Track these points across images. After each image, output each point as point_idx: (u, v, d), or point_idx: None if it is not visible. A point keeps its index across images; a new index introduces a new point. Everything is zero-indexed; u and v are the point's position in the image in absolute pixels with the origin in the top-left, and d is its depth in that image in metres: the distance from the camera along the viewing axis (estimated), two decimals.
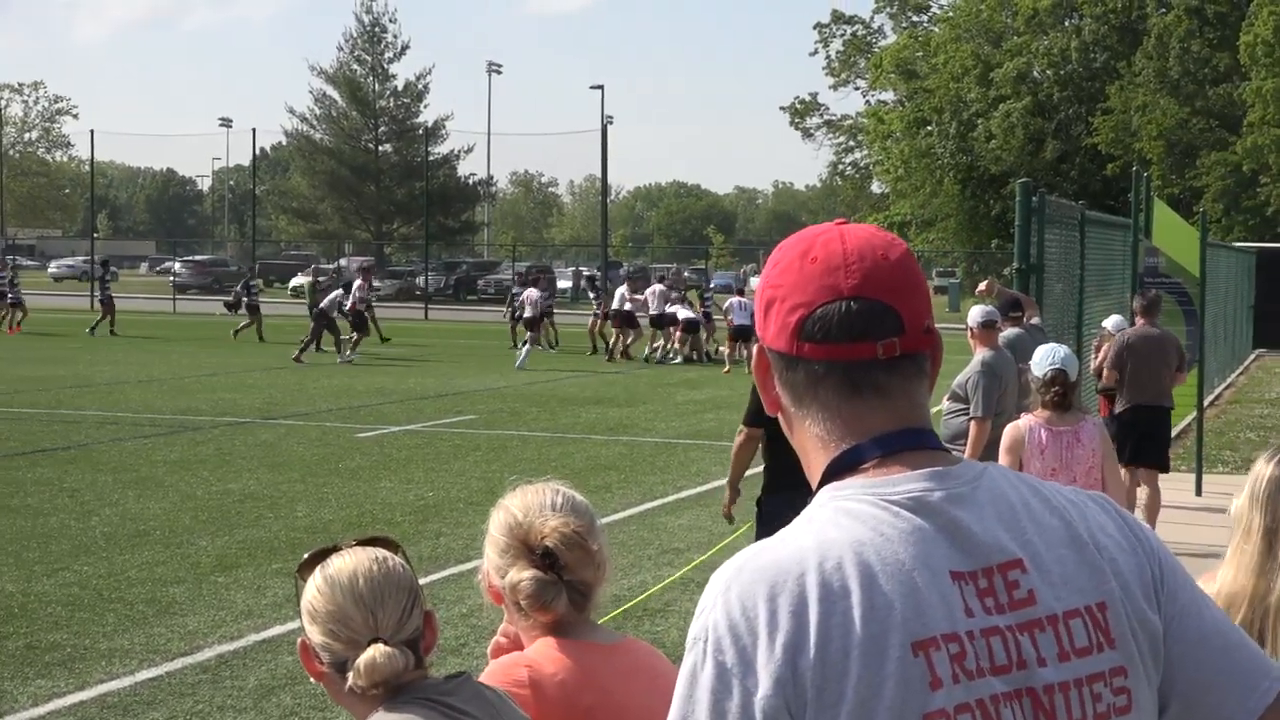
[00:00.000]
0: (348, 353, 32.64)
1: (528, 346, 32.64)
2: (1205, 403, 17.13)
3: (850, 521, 1.75)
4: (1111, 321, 14.11)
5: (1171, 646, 1.83)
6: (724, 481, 15.49)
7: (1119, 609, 1.79)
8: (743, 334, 31.18)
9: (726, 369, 31.24)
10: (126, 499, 14.16)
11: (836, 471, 1.84)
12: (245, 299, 40.86)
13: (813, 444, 1.88)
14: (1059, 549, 1.79)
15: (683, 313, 34.91)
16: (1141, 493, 12.63)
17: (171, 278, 70.12)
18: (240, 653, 9.00)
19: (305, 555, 2.71)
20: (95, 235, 77.87)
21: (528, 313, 34.37)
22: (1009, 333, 11.07)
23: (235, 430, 19.75)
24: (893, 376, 1.83)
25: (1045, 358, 7.94)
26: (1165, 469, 13.18)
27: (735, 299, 33.05)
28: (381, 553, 2.68)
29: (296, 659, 8.73)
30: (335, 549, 2.69)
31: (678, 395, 26.54)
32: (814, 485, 1.88)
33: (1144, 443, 12.78)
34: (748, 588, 1.72)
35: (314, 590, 2.64)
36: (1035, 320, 11.59)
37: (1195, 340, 15.55)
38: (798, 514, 7.08)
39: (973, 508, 1.78)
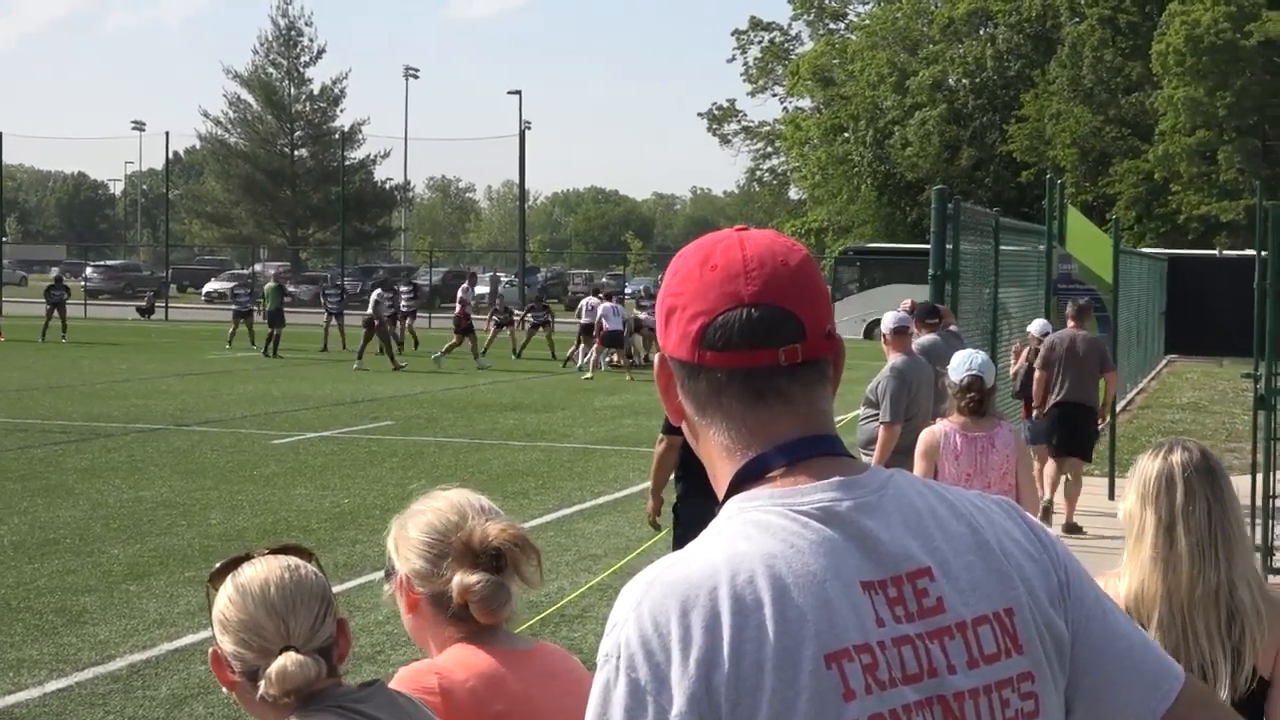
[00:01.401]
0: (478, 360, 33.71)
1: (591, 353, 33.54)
2: (1118, 407, 17.30)
3: (760, 534, 1.74)
4: (1036, 326, 14.25)
5: (1078, 650, 1.83)
6: (641, 487, 15.60)
7: (1026, 615, 1.79)
8: (613, 340, 32.17)
9: (588, 376, 31.57)
10: (35, 507, 13.96)
11: (742, 480, 1.82)
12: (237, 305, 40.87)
13: (718, 453, 1.86)
14: (966, 555, 1.79)
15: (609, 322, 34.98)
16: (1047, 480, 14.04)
17: (83, 282, 69.30)
18: (152, 662, 8.90)
19: (217, 564, 2.69)
20: (4, 239, 76.74)
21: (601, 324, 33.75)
22: (925, 339, 11.15)
23: (147, 437, 19.53)
24: (795, 383, 1.82)
25: (962, 364, 7.99)
26: (1089, 459, 14.84)
27: (606, 304, 33.19)
28: (294, 560, 2.65)
29: (209, 668, 8.65)
30: (247, 557, 2.67)
31: (595, 401, 26.52)
32: (720, 494, 1.86)
33: (1072, 435, 13.89)
34: (659, 603, 1.70)
35: (225, 599, 2.62)
36: (952, 327, 11.68)
37: (1109, 346, 15.72)
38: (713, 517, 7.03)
39: (880, 516, 1.77)
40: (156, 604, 10.30)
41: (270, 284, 40.61)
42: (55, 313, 41.06)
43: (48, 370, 30.35)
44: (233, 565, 2.66)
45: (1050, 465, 13.98)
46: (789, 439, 1.81)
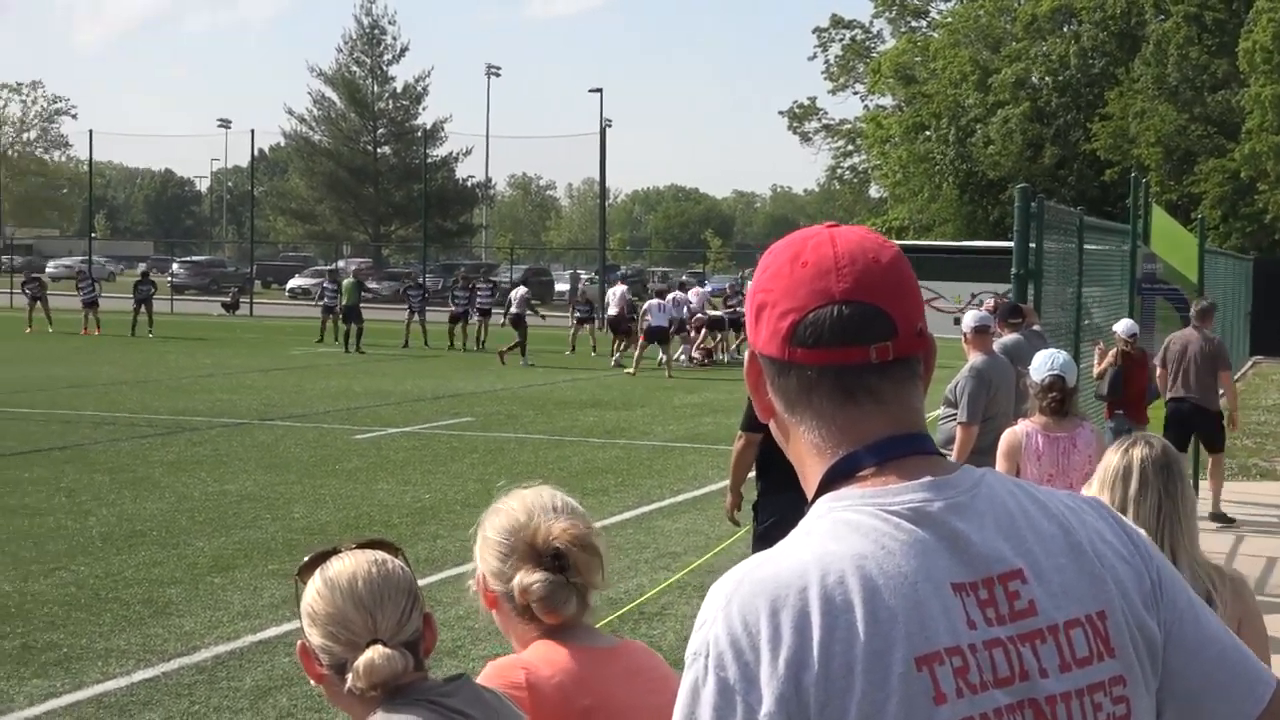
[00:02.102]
0: (523, 359, 33.80)
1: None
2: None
3: (851, 533, 1.73)
4: (1123, 326, 14.11)
5: (1170, 653, 1.82)
6: (720, 485, 15.60)
7: (1118, 617, 1.78)
8: (658, 335, 31.90)
9: (632, 371, 31.56)
10: (123, 499, 14.15)
11: (832, 479, 1.82)
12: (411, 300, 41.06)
13: (807, 451, 1.85)
14: (1058, 557, 1.78)
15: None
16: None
17: (169, 278, 70.06)
18: (237, 654, 9.00)
19: (305, 558, 2.71)
20: (93, 235, 77.71)
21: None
22: (1007, 339, 11.08)
23: (232, 431, 19.74)
24: (885, 381, 1.81)
25: (1044, 364, 7.94)
26: (1220, 448, 14.89)
27: (653, 300, 33.24)
28: (381, 555, 2.68)
29: (293, 660, 8.75)
30: (335, 551, 2.69)
31: (674, 399, 26.53)
32: (809, 493, 1.85)
33: (1186, 431, 14.46)
34: (748, 602, 1.70)
35: (314, 593, 2.64)
36: (1035, 326, 11.59)
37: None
38: (796, 515, 7.08)
39: (972, 517, 1.77)
40: (241, 596, 10.42)
41: (349, 280, 40.93)
42: (143, 308, 41.69)
43: (135, 365, 30.74)
44: (321, 559, 2.69)
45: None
46: (879, 438, 1.81)
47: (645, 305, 33.34)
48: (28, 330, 40.96)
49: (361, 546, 2.70)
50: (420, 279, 43.88)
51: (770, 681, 1.66)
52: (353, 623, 2.58)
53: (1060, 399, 7.97)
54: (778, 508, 8.41)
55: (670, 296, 34.24)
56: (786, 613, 1.68)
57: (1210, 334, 14.94)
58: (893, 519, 1.74)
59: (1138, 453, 4.11)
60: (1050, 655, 1.74)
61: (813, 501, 1.83)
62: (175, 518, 13.31)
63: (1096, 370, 14.46)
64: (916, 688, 1.66)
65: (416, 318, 40.06)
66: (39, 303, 41.95)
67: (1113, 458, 4.16)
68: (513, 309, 34.41)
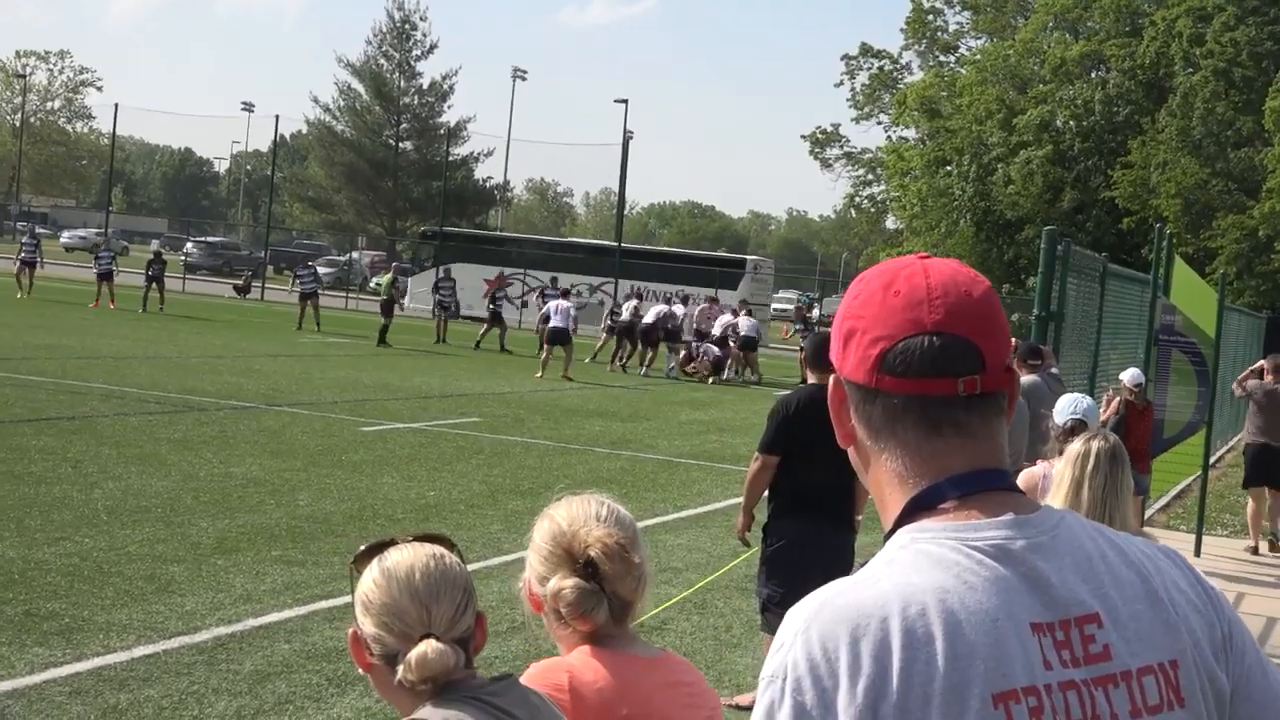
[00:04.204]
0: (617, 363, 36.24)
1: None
2: (1210, 460, 17.17)
3: (932, 566, 1.74)
4: (1129, 375, 14.11)
5: (1237, 705, 1.83)
6: (725, 504, 15.63)
7: (1190, 667, 1.79)
8: (558, 337, 31.90)
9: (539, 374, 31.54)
10: (129, 474, 14.16)
11: (914, 510, 1.82)
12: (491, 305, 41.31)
13: (889, 480, 1.86)
14: (1135, 604, 1.79)
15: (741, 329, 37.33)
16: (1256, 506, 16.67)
17: (182, 257, 70.12)
18: (237, 636, 9.00)
19: (362, 547, 2.72)
20: (110, 209, 77.84)
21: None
22: (1026, 380, 11.09)
23: (239, 414, 19.75)
24: (972, 415, 1.82)
25: (1067, 407, 7.97)
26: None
27: (555, 302, 33.48)
28: (439, 549, 2.68)
29: (294, 647, 8.78)
30: (392, 542, 2.70)
31: (681, 414, 26.53)
32: (887, 522, 1.86)
33: (1264, 470, 16.45)
34: (829, 628, 1.70)
35: (370, 582, 2.65)
36: (1054, 369, 11.60)
37: (1206, 400, 15.57)
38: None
39: (1052, 558, 1.77)
40: (243, 579, 10.42)
41: (388, 275, 41.00)
42: (154, 285, 41.80)
43: (144, 341, 30.77)
44: (379, 548, 2.69)
45: (1251, 504, 16.64)
46: (963, 471, 1.82)
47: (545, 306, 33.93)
48: (19, 296, 41.09)
49: (419, 539, 2.70)
50: (451, 275, 43.89)
51: (848, 709, 1.67)
52: (408, 614, 2.59)
53: None
54: (786, 531, 8.42)
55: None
56: (867, 641, 1.68)
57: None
58: (975, 554, 1.75)
59: (1095, 444, 5.34)
60: (1122, 701, 1.75)
61: (892, 531, 1.84)
62: (180, 496, 13.32)
63: (1102, 417, 14.46)
64: None
65: (442, 314, 41.10)
66: (30, 269, 42.17)
67: (1077, 445, 5.39)
68: (558, 322, 32.91)
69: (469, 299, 50.04)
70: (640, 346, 36.99)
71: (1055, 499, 5.20)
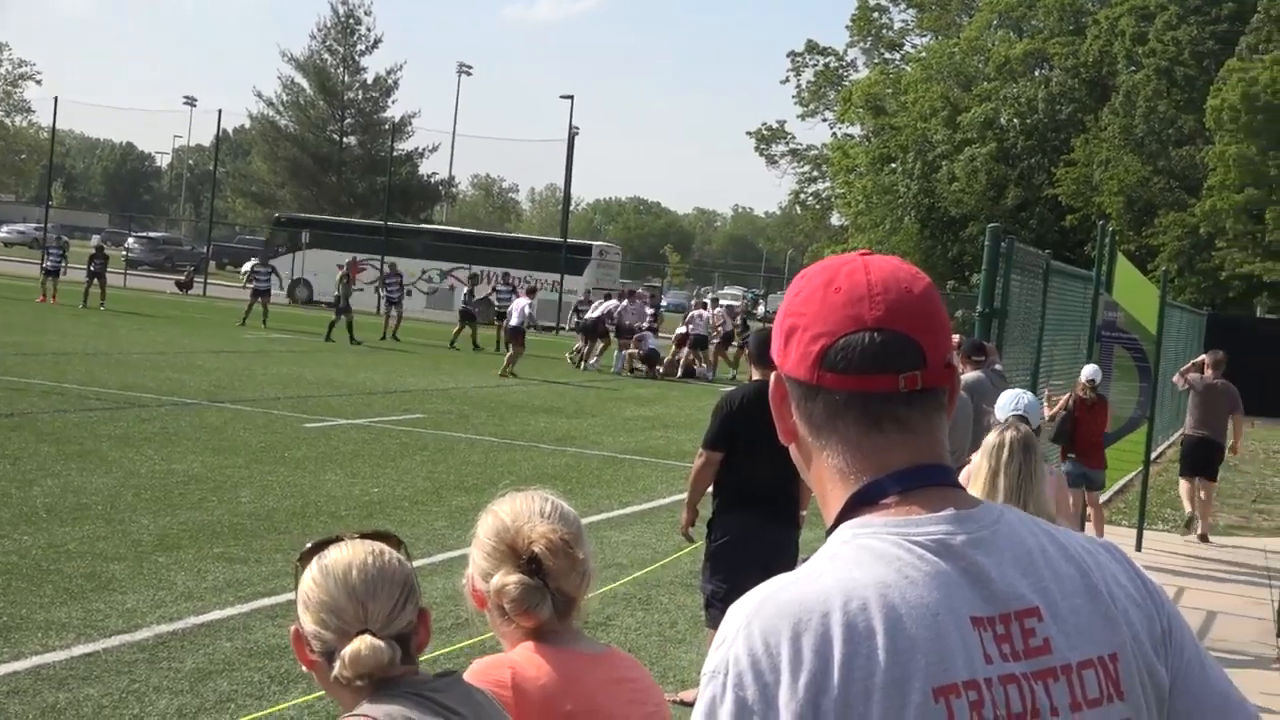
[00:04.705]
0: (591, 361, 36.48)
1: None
2: (1152, 456, 17.34)
3: (875, 561, 1.74)
4: (1085, 371, 14.22)
5: (1175, 699, 1.83)
6: (669, 500, 15.62)
7: (1130, 661, 1.79)
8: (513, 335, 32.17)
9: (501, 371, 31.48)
10: (69, 471, 14.03)
11: (855, 505, 1.82)
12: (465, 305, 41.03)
13: (830, 476, 1.86)
14: (1074, 598, 1.79)
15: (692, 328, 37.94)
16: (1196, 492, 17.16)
17: (124, 252, 69.57)
18: (179, 634, 8.93)
19: (307, 544, 2.72)
20: (49, 204, 77.09)
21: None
22: (970, 376, 11.13)
23: (181, 411, 19.60)
24: (912, 410, 1.82)
25: (1008, 404, 7.95)
26: (1214, 479, 17.60)
27: (518, 301, 33.61)
28: (379, 546, 2.67)
29: (235, 645, 8.72)
30: (338, 539, 2.69)
31: (626, 410, 26.53)
32: (828, 518, 1.86)
33: (1199, 461, 17.01)
34: (771, 623, 1.70)
35: (309, 579, 2.65)
36: (997, 365, 11.65)
37: (1147, 397, 15.69)
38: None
39: (993, 552, 1.77)
40: (185, 577, 10.34)
41: (340, 272, 40.80)
42: (95, 281, 41.49)
43: (85, 337, 30.52)
44: (322, 546, 2.69)
45: (1184, 485, 17.27)
46: (904, 467, 1.81)
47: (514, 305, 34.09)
48: None
49: (365, 536, 2.70)
50: (399, 271, 43.78)
51: (789, 704, 1.66)
52: (344, 611, 2.58)
53: None
54: (730, 527, 8.42)
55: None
56: (808, 636, 1.68)
57: (1226, 381, 17.22)
58: (916, 549, 1.75)
59: (1008, 434, 5.69)
60: (1062, 694, 1.75)
61: (834, 527, 1.83)
62: (121, 493, 13.21)
63: (1048, 414, 14.54)
64: (932, 719, 1.67)
65: (393, 310, 40.81)
66: None
67: (992, 437, 5.72)
68: (512, 321, 33.10)
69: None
70: (591, 341, 37.23)
71: (974, 488, 5.43)
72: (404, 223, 68.99)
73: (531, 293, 36.19)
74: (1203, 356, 17.85)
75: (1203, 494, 17.12)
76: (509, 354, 32.10)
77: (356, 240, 57.76)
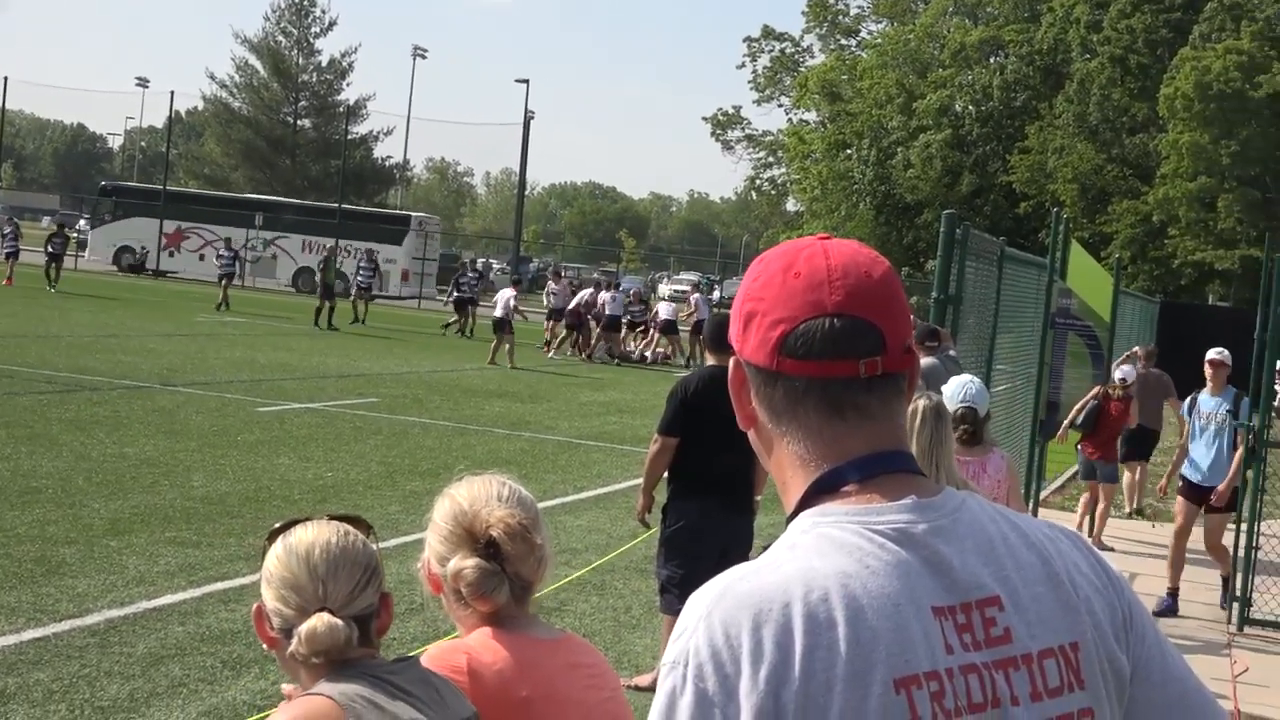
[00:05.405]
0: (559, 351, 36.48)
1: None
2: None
3: (835, 551, 1.72)
4: (1120, 371, 15.43)
5: (1136, 687, 1.83)
6: (624, 485, 15.61)
7: (1091, 649, 1.79)
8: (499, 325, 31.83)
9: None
10: (19, 454, 13.91)
11: (815, 494, 1.80)
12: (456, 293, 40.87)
13: (790, 463, 1.84)
14: (1036, 586, 1.78)
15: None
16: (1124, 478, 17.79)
17: (76, 234, 69.00)
18: (130, 619, 8.87)
19: (277, 524, 2.74)
20: None
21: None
22: (925, 362, 11.14)
23: (133, 394, 19.47)
24: (872, 397, 1.81)
25: (955, 393, 7.93)
26: (1147, 459, 18.49)
27: (503, 291, 33.47)
28: (345, 528, 2.69)
29: (187, 630, 8.66)
30: (306, 520, 2.70)
31: (581, 395, 26.50)
32: (788, 505, 1.84)
33: (1138, 447, 17.69)
34: (731, 614, 1.68)
35: (273, 556, 2.68)
36: (951, 351, 11.67)
37: (1101, 383, 15.77)
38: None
39: (954, 541, 1.76)
40: (136, 561, 10.27)
41: (324, 257, 40.87)
42: (53, 262, 41.33)
43: (35, 319, 30.27)
44: (290, 525, 2.72)
45: (1126, 476, 17.67)
46: (864, 454, 1.80)
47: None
48: None
49: (335, 519, 2.71)
50: (375, 256, 43.82)
51: (750, 695, 1.65)
52: (304, 589, 2.60)
53: (971, 430, 7.99)
54: (685, 512, 8.42)
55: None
56: (769, 627, 1.66)
57: (1159, 371, 17.89)
58: (877, 538, 1.74)
59: (920, 402, 5.84)
60: (1022, 683, 1.74)
61: (794, 515, 1.81)
62: (72, 477, 13.10)
63: (1076, 407, 15.04)
64: (894, 710, 1.65)
65: (360, 295, 40.82)
66: None
67: (916, 404, 5.82)
68: (497, 312, 32.32)
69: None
70: (566, 330, 37.16)
71: None
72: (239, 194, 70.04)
73: (517, 284, 35.94)
74: (1136, 348, 18.35)
75: (1138, 474, 18.00)
76: (495, 344, 31.58)
77: (176, 210, 58.99)
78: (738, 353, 1.88)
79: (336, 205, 58.51)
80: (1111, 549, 15.13)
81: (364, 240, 53.24)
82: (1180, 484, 13.10)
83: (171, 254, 57.55)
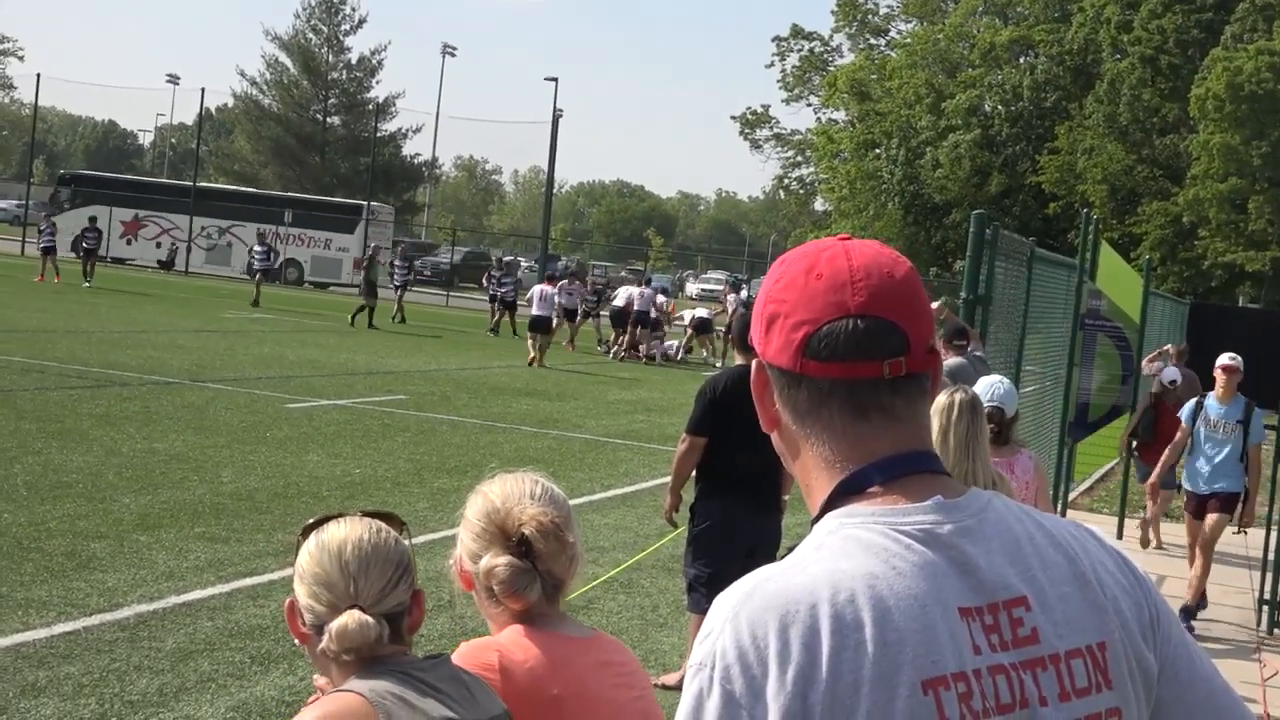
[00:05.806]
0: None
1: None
2: (1132, 446, 17.35)
3: (861, 552, 1.72)
4: (1167, 373, 15.35)
5: (1163, 687, 1.83)
6: (651, 484, 15.62)
7: (1118, 649, 1.79)
8: (539, 326, 31.52)
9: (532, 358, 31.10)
10: (49, 449, 13.99)
11: (841, 495, 1.80)
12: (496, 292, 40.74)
13: (815, 465, 1.84)
14: (1062, 586, 1.78)
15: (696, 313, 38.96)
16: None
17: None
18: (159, 614, 8.92)
19: (310, 519, 2.76)
20: (31, 181, 76.80)
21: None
22: (951, 361, 11.12)
23: (163, 390, 19.55)
24: (897, 397, 1.81)
25: (984, 392, 7.92)
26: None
27: (538, 287, 33.40)
28: (378, 524, 2.70)
29: (216, 624, 8.70)
30: (340, 516, 2.72)
31: (609, 394, 26.52)
32: (813, 507, 1.84)
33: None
34: (758, 615, 1.68)
35: (306, 552, 2.69)
36: (978, 351, 11.65)
37: (1131, 385, 15.71)
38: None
39: (980, 541, 1.76)
40: (166, 556, 10.32)
41: (366, 255, 40.81)
42: (88, 257, 41.53)
43: (66, 314, 30.41)
44: (324, 521, 2.73)
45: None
46: (889, 455, 1.80)
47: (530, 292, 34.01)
48: None
49: (369, 516, 2.72)
50: (410, 255, 43.96)
51: (777, 696, 1.65)
52: (335, 586, 2.61)
53: (998, 430, 7.97)
54: (713, 511, 8.43)
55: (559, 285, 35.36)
56: (796, 628, 1.66)
57: (1189, 371, 16.69)
58: (903, 539, 1.74)
59: (957, 395, 5.90)
60: (1050, 684, 1.74)
61: (819, 516, 1.82)
62: (102, 472, 13.17)
63: (1135, 418, 15.07)
64: (921, 712, 1.65)
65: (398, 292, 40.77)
66: None
67: (942, 398, 5.83)
68: (536, 309, 32.14)
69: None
70: (618, 329, 37.20)
71: None
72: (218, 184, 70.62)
73: (552, 280, 35.26)
74: (1168, 346, 18.02)
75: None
76: (540, 344, 31.16)
77: (136, 198, 59.44)
78: (760, 355, 1.88)
79: (285, 195, 61.07)
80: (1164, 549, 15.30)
81: (317, 230, 54.75)
82: (1185, 499, 12.75)
83: (129, 242, 58.08)
